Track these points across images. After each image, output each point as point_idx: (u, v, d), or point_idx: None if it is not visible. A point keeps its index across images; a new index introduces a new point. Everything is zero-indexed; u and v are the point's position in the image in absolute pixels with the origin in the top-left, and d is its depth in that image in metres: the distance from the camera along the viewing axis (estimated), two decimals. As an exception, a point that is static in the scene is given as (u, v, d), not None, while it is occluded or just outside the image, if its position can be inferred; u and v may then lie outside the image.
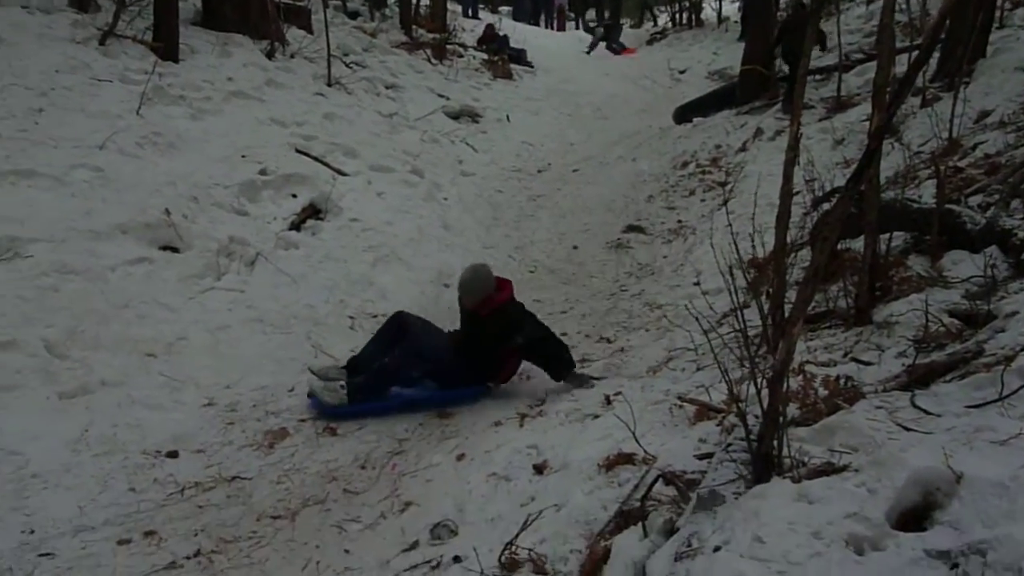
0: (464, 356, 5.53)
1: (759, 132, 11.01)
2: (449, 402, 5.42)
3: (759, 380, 3.12)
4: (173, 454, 4.72)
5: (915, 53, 4.42)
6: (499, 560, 3.21)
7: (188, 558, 3.88)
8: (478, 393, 5.54)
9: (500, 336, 5.46)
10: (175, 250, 6.54)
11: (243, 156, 8.07)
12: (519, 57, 17.96)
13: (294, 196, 7.90)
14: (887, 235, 5.13)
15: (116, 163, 7.07)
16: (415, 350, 5.42)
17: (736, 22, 21.26)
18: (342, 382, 5.25)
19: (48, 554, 3.84)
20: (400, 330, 5.58)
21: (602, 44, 21.21)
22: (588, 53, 19.98)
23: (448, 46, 15.99)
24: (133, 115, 7.86)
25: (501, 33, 18.95)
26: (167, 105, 8.39)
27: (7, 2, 8.81)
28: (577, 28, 29.49)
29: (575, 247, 8.85)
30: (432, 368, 5.48)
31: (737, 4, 22.40)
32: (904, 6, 13.35)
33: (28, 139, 6.82)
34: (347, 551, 3.84)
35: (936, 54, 10.69)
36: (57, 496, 4.23)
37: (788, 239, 4.77)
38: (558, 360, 5.51)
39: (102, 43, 8.95)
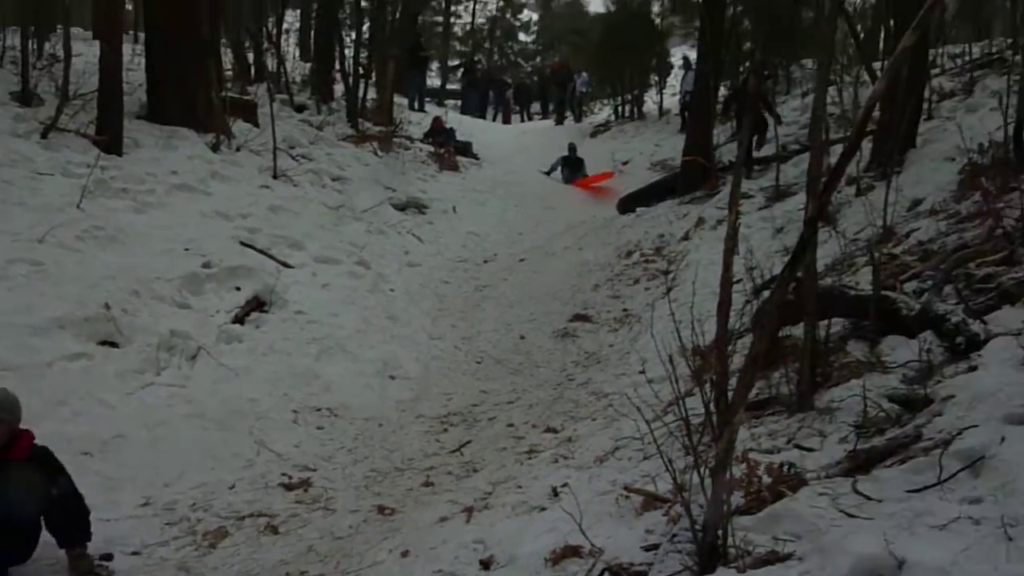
0: None
1: (701, 221, 11.17)
2: None
3: (702, 469, 3.12)
4: (107, 556, 4.58)
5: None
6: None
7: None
8: None
9: (39, 488, 4.24)
10: (114, 345, 6.43)
11: (186, 249, 8.02)
12: (466, 149, 18.15)
13: (238, 289, 7.84)
14: (826, 322, 5.19)
15: (56, 257, 6.99)
16: None
17: (676, 115, 21.70)
18: None
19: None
20: None
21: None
22: (547, 174, 19.08)
23: (395, 139, 16.11)
24: (75, 208, 7.80)
25: (448, 126, 19.16)
26: (110, 198, 8.34)
27: (-51, 97, 8.78)
28: (522, 120, 29.99)
29: (522, 337, 8.85)
30: None
31: (677, 98, 22.88)
32: (837, 99, 13.76)
33: (-35, 234, 6.73)
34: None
35: (869, 144, 11.01)
36: (-16, 601, 4.07)
37: (730, 327, 4.81)
38: (84, 524, 4.45)
39: (44, 136, 8.92)
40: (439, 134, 18.34)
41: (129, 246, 7.71)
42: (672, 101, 24.11)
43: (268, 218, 9.55)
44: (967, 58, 16.15)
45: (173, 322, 6.93)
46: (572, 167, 17.76)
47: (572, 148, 18.42)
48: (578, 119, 27.21)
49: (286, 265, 8.60)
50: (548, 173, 18.06)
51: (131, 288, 7.02)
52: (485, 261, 11.57)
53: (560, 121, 27.11)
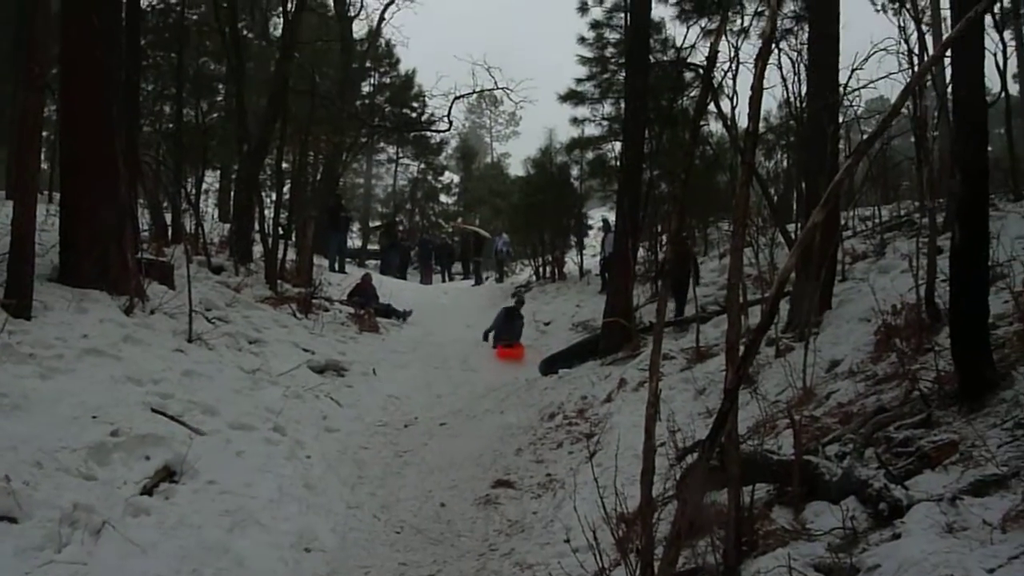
0: None
1: (623, 383, 11.29)
2: None
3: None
4: None
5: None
6: None
7: None
8: None
9: None
10: (13, 520, 6.14)
11: (94, 417, 7.80)
12: (388, 311, 18.25)
13: (147, 458, 7.61)
14: (750, 487, 5.23)
15: (-47, 428, 6.75)
16: None
17: (597, 275, 22.17)
18: None
19: None
20: None
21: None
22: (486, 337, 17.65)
23: (314, 300, 16.17)
24: (-24, 377, 7.59)
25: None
26: (15, 364, 8.14)
27: None
28: (444, 280, 30.38)
29: (443, 504, 8.70)
30: None
31: (597, 258, 23.43)
32: (754, 260, 14.22)
33: None
34: None
35: (786, 306, 11.36)
36: None
37: (655, 493, 4.82)
38: None
39: (-51, 302, 8.75)
40: (363, 293, 18.43)
41: (34, 414, 7.48)
42: (593, 262, 24.71)
43: (181, 383, 9.40)
44: (877, 220, 16.95)
45: (77, 494, 6.67)
46: (509, 321, 17.53)
47: (519, 301, 18.21)
48: (500, 279, 27.67)
49: (199, 432, 8.41)
50: (487, 335, 17.60)
51: (34, 459, 6.77)
52: (406, 425, 11.47)
53: (478, 282, 27.60)
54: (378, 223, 35.81)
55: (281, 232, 18.50)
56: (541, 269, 25.74)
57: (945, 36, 13.85)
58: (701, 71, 16.95)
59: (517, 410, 11.98)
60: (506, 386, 13.63)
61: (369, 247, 34.36)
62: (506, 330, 17.20)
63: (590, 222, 27.97)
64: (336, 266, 23.79)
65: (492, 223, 32.07)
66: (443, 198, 41.96)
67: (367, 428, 11.07)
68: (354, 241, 32.93)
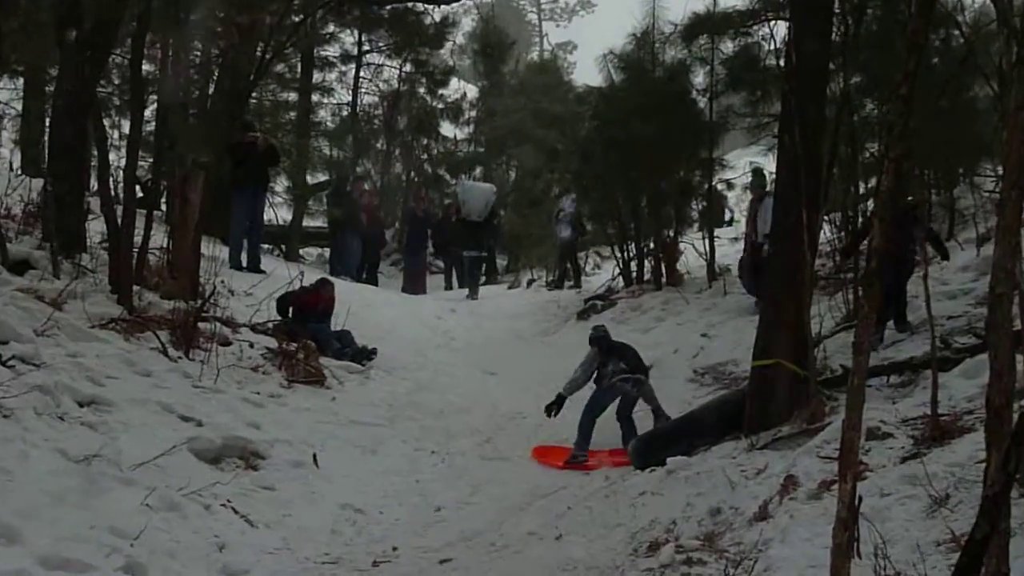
0: None
1: (791, 484, 11.22)
2: None
3: None
4: None
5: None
6: None
7: None
8: None
9: None
10: None
11: None
12: (344, 347, 18.20)
13: None
14: None
15: None
16: None
17: (740, 277, 21.79)
18: None
19: None
20: None
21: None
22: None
23: (203, 323, 16.15)
24: None
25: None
26: None
27: None
28: (449, 286, 30.34)
29: None
30: None
31: (740, 247, 22.96)
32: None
33: None
34: None
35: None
36: None
37: None
38: None
39: None
40: (310, 313, 18.35)
41: None
42: (732, 251, 24.42)
43: (-48, 482, 9.50)
44: None
45: None
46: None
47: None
48: (572, 283, 27.28)
49: (-15, 574, 8.52)
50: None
51: None
52: (375, 563, 11.47)
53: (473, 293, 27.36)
54: (324, 178, 35.46)
55: (141, 195, 18.50)
56: (634, 265, 25.25)
57: None
58: None
59: (587, 533, 11.94)
60: (565, 488, 13.61)
61: (307, 225, 34.13)
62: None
63: (730, 176, 27.45)
64: (245, 259, 23.60)
65: (542, 177, 31.69)
66: (447, 128, 41.27)
67: (303, 568, 11.09)
68: (277, 212, 32.53)
